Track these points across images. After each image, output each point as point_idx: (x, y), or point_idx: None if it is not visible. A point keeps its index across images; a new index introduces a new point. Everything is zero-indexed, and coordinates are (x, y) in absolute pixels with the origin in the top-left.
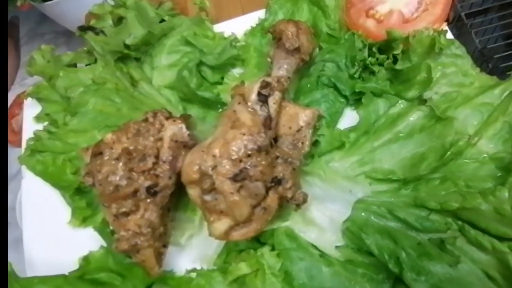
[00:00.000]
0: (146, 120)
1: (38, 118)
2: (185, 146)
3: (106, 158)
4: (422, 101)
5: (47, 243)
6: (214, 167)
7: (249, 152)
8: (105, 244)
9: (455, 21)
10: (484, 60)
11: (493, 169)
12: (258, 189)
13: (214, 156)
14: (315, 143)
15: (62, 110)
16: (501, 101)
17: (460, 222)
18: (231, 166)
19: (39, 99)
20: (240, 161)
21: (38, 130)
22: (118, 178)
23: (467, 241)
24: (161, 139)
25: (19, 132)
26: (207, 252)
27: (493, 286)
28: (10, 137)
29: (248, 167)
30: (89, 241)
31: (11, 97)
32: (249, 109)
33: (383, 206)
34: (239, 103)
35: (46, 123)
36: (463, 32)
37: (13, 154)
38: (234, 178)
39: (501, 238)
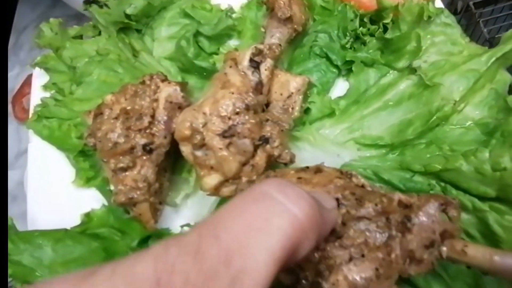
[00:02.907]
0: (143, 82)
1: (45, 87)
2: (179, 107)
3: (106, 117)
4: (412, 70)
5: (50, 202)
6: (204, 124)
7: (238, 110)
8: (106, 203)
9: (463, 11)
10: None
11: (478, 134)
12: (246, 146)
13: (204, 113)
14: (306, 111)
15: (68, 80)
16: (487, 68)
17: (442, 183)
18: (220, 123)
19: (46, 69)
20: (229, 118)
21: (45, 97)
22: (116, 135)
23: None
24: (156, 100)
25: (29, 110)
26: (201, 211)
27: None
28: (20, 114)
29: (236, 124)
30: (91, 201)
31: (22, 77)
32: (240, 72)
33: (369, 169)
34: (231, 66)
35: (53, 91)
36: (472, 23)
37: (23, 131)
38: (223, 134)
39: (481, 198)
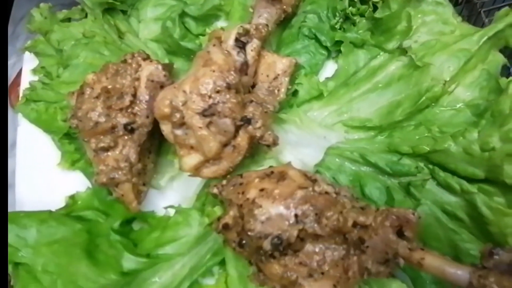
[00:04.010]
0: (124, 61)
1: (34, 71)
2: (161, 86)
3: (86, 96)
4: (402, 51)
5: (37, 184)
6: (184, 103)
7: (218, 88)
8: (91, 186)
9: (464, 1)
10: None
11: (469, 115)
12: (227, 126)
13: (184, 91)
14: (294, 93)
15: (56, 63)
16: (479, 48)
17: (431, 166)
18: (200, 101)
19: (36, 54)
20: (209, 97)
21: (33, 80)
22: (97, 114)
23: (437, 184)
24: (138, 79)
25: None
26: (187, 194)
27: (451, 226)
28: (16, 103)
29: (217, 103)
30: (77, 183)
31: (19, 66)
32: (224, 51)
33: (356, 152)
34: (214, 45)
35: (41, 75)
36: (473, 13)
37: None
38: (203, 113)
39: (469, 180)
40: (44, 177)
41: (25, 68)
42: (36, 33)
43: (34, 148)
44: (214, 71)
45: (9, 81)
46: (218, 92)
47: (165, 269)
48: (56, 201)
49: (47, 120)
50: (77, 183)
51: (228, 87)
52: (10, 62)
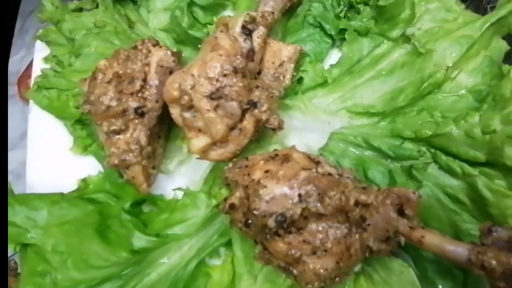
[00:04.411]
0: (135, 47)
1: (46, 60)
2: (171, 72)
3: (98, 81)
4: (406, 38)
5: (48, 168)
6: (192, 86)
7: (225, 72)
8: (103, 170)
9: None
10: None
11: (471, 101)
12: (234, 109)
13: (192, 75)
14: (299, 81)
15: (68, 52)
16: (481, 34)
17: (433, 150)
18: (208, 85)
19: (47, 42)
20: (217, 80)
21: (45, 68)
22: (108, 98)
23: (439, 167)
24: (148, 64)
25: None
26: (194, 178)
27: (453, 207)
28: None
29: (224, 86)
30: (88, 168)
31: (28, 59)
32: (231, 37)
33: (360, 136)
34: (221, 31)
35: (53, 63)
36: (479, 9)
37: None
38: (211, 96)
39: (471, 163)
40: (55, 163)
41: (37, 56)
42: (47, 23)
43: (45, 134)
44: (221, 55)
45: (19, 74)
46: (225, 75)
47: (174, 251)
48: (67, 186)
49: (59, 107)
50: (89, 167)
51: (235, 71)
52: (19, 55)
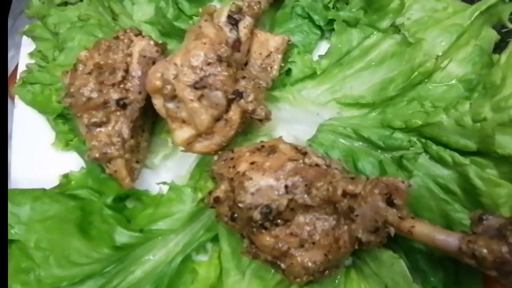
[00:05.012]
0: (117, 37)
1: (31, 55)
2: (154, 62)
3: (79, 72)
4: (395, 28)
5: (32, 164)
6: (176, 76)
7: (209, 61)
8: (85, 166)
9: None
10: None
11: (461, 91)
12: (218, 99)
13: (175, 64)
14: (287, 72)
15: (52, 47)
16: (471, 23)
17: (423, 140)
18: (191, 74)
19: (33, 38)
20: (200, 69)
21: (30, 63)
22: (89, 90)
23: (429, 157)
24: (130, 54)
25: None
26: (180, 173)
27: (444, 197)
28: None
29: (208, 75)
30: (71, 164)
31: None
32: (215, 26)
33: (349, 127)
34: (206, 20)
35: (38, 58)
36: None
37: None
38: (194, 86)
39: (462, 152)
40: (39, 157)
41: (23, 52)
42: (35, 18)
43: (30, 129)
44: (205, 43)
45: (8, 73)
46: (209, 64)
47: (159, 247)
48: (50, 181)
49: (42, 102)
50: (71, 163)
51: (219, 59)
52: (9, 55)
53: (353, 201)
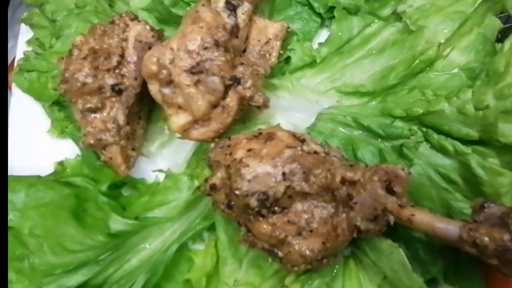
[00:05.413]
0: (112, 22)
1: (29, 42)
2: (150, 47)
3: (74, 57)
4: (397, 16)
5: (28, 151)
6: (172, 60)
7: (206, 45)
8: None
9: None
10: None
11: (464, 79)
12: (215, 84)
13: (172, 49)
14: (286, 61)
15: (49, 34)
16: (474, 10)
17: (424, 129)
18: (188, 58)
19: (31, 26)
20: (197, 53)
21: (27, 50)
22: (84, 75)
23: (430, 147)
24: (126, 39)
25: None
26: (177, 161)
27: (444, 186)
28: None
29: (205, 60)
30: (66, 151)
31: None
32: (213, 10)
33: (349, 116)
34: (203, 5)
35: (35, 46)
36: None
37: None
38: (191, 70)
39: (463, 141)
40: (35, 145)
41: (21, 39)
42: (33, 6)
43: (26, 116)
44: (202, 27)
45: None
46: (206, 49)
47: (155, 236)
48: (46, 168)
49: (38, 89)
50: (67, 150)
51: (217, 44)
52: (8, 45)
53: (352, 188)
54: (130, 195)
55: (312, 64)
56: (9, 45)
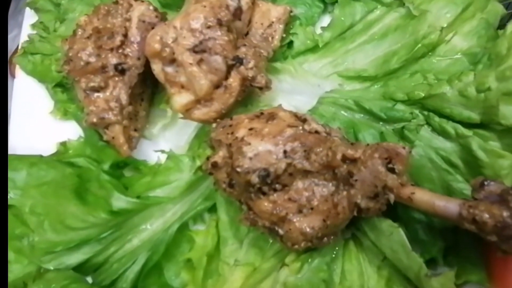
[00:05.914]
0: (116, 2)
1: (33, 26)
2: (153, 28)
3: (78, 37)
4: (400, 2)
5: (31, 132)
6: (175, 39)
7: (209, 24)
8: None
9: None
10: None
11: (466, 64)
12: (218, 64)
13: (175, 27)
14: (289, 45)
15: (54, 18)
16: None
17: (425, 112)
18: (191, 37)
19: (36, 10)
20: (200, 32)
21: (32, 33)
22: (87, 54)
23: (432, 130)
24: (129, 19)
25: None
26: (179, 143)
27: (446, 167)
28: None
29: (208, 39)
30: (69, 133)
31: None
32: None
33: (351, 99)
34: None
35: (40, 29)
36: None
37: None
38: (194, 49)
39: (465, 125)
40: (37, 126)
41: (25, 23)
42: None
43: (29, 98)
44: (205, 6)
45: (11, 52)
46: (209, 27)
47: (157, 216)
48: (48, 149)
49: (42, 71)
50: (69, 132)
51: (220, 23)
52: (12, 35)
53: (353, 166)
54: (132, 176)
55: (314, 48)
56: (12, 34)
